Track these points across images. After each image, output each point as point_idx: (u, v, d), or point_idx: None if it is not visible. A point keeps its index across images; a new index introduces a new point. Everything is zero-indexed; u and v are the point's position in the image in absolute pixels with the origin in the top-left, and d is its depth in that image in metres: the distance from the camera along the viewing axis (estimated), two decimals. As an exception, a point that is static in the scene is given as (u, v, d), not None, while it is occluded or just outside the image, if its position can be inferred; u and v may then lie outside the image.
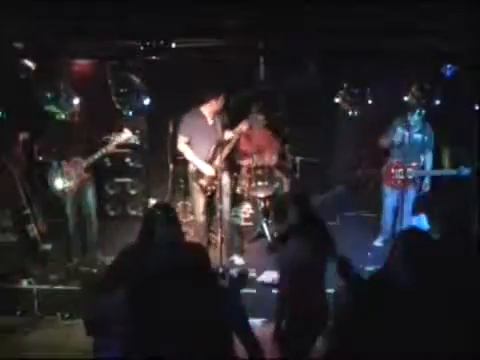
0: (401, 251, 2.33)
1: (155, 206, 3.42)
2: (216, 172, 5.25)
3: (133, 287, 2.55)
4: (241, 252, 5.73)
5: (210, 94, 5.30)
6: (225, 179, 5.45)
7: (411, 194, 5.82)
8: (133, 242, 2.98)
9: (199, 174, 5.30)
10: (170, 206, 3.41)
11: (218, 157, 5.26)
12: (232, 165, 6.16)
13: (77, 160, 5.13)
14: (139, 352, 2.35)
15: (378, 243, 6.03)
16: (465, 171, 5.66)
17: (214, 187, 5.30)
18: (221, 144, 5.32)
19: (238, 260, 5.54)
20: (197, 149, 5.30)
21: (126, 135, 5.17)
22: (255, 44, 5.96)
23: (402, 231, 2.67)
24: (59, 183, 5.13)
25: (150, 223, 3.00)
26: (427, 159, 5.89)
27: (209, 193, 5.37)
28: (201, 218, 5.48)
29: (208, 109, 5.34)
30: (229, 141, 5.39)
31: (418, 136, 5.74)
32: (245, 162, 6.36)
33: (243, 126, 5.41)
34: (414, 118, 5.70)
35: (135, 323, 2.39)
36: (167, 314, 2.33)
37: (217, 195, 5.33)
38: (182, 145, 5.31)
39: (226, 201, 5.44)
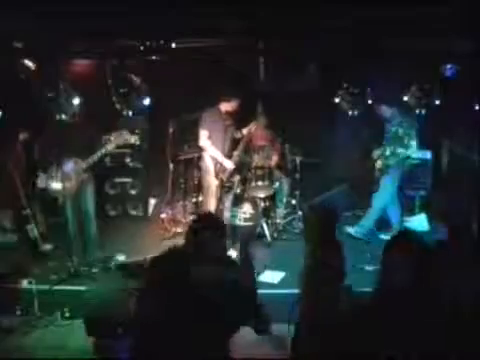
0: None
1: (205, 218, 3.32)
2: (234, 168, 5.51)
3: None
4: (236, 248, 5.73)
5: (233, 94, 5.52)
6: (237, 177, 5.68)
7: (386, 182, 5.94)
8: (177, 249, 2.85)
9: (221, 169, 5.41)
10: (220, 219, 3.34)
11: (234, 154, 5.52)
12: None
13: (76, 160, 5.13)
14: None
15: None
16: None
17: (230, 184, 5.43)
18: (235, 142, 5.56)
19: (234, 254, 5.56)
20: (214, 145, 5.46)
21: (124, 136, 5.14)
22: (255, 44, 5.98)
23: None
24: (58, 184, 5.11)
25: (199, 234, 2.91)
26: (410, 149, 5.83)
27: (226, 189, 5.48)
28: None
29: (225, 108, 5.49)
30: (240, 139, 5.53)
31: (394, 128, 5.74)
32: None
33: (253, 126, 5.57)
34: (387, 113, 5.87)
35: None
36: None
37: (225, 192, 5.47)
38: (204, 140, 5.48)
39: (230, 198, 5.60)
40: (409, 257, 2.24)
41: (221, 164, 5.45)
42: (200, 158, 5.72)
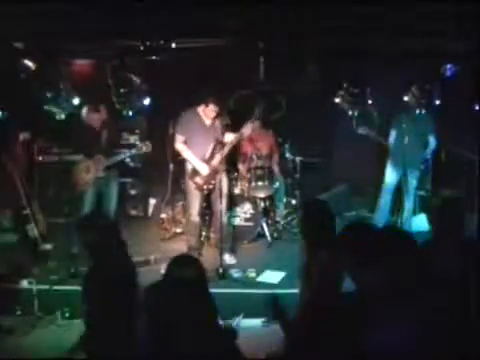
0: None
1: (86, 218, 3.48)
2: (215, 172, 5.25)
3: None
4: (233, 252, 5.66)
5: (202, 98, 5.29)
6: (223, 180, 5.40)
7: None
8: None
9: (195, 173, 5.31)
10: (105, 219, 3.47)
11: (216, 157, 5.27)
12: (231, 166, 6.16)
13: (99, 158, 5.33)
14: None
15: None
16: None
17: (211, 186, 5.30)
18: (220, 144, 5.30)
19: (229, 259, 5.49)
20: (194, 148, 5.31)
21: (146, 147, 5.46)
22: (255, 44, 5.98)
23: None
24: (83, 176, 5.33)
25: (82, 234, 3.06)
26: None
27: (205, 192, 5.36)
28: (196, 218, 5.46)
29: (203, 110, 5.33)
30: (229, 143, 5.35)
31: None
32: (244, 165, 6.36)
33: (246, 130, 5.36)
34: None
35: None
36: None
37: (214, 195, 5.34)
38: (179, 144, 5.35)
39: (223, 202, 5.40)
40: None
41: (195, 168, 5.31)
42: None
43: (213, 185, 5.28)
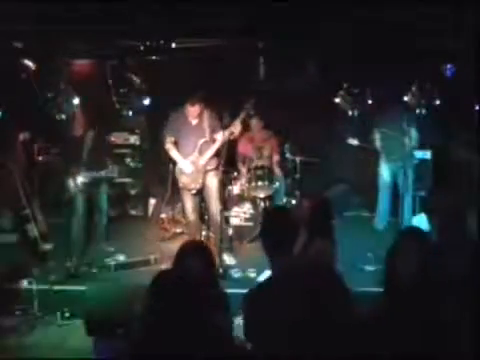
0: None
1: None
2: (202, 171, 5.24)
3: None
4: (232, 252, 5.65)
5: (188, 97, 5.26)
6: (209, 180, 5.34)
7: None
8: None
9: (180, 172, 5.31)
10: None
11: (203, 156, 5.24)
12: (230, 166, 6.15)
13: (80, 169, 5.24)
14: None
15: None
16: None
17: (198, 186, 5.29)
18: (207, 144, 5.25)
19: (229, 259, 5.48)
20: (181, 148, 5.32)
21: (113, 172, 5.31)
22: (255, 44, 5.98)
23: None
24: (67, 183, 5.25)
25: None
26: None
27: (193, 191, 5.35)
28: (191, 217, 5.47)
29: (188, 110, 5.27)
30: (218, 141, 5.26)
31: None
32: (244, 165, 6.36)
33: (235, 128, 5.29)
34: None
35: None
36: None
37: (207, 195, 5.34)
38: (168, 144, 5.35)
39: (213, 202, 5.36)
40: (421, 253, 2.24)
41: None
42: None
43: (200, 184, 5.27)
